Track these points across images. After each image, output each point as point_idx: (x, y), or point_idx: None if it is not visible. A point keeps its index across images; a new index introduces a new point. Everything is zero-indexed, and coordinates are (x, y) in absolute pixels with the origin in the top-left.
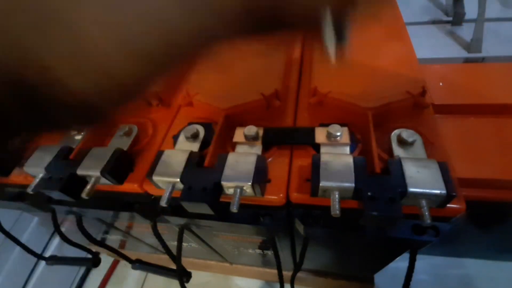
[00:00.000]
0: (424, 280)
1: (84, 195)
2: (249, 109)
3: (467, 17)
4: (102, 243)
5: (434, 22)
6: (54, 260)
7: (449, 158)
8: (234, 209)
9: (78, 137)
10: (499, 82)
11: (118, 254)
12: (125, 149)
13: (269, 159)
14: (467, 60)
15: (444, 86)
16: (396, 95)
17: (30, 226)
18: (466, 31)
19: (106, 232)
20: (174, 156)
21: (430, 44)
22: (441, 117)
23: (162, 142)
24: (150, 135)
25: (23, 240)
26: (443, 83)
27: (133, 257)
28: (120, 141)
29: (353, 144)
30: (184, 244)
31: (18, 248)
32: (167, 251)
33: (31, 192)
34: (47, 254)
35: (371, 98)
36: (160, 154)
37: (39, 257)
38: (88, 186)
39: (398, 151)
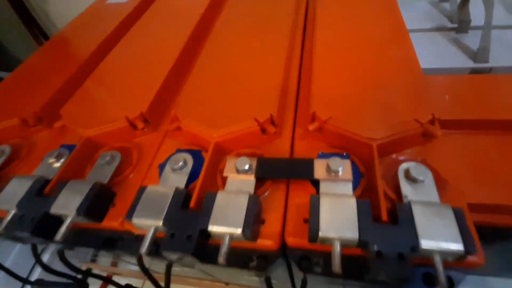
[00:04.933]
0: None
1: (58, 238)
2: (242, 136)
3: (473, 24)
4: (88, 273)
5: (438, 29)
6: (39, 284)
7: (463, 195)
8: (221, 260)
9: (57, 164)
10: (508, 95)
11: (108, 281)
12: (106, 180)
13: (263, 194)
14: (473, 71)
15: (450, 99)
16: (403, 124)
17: (15, 248)
18: (472, 39)
19: (96, 255)
20: (157, 194)
21: (434, 53)
22: (447, 134)
23: (147, 172)
24: (134, 164)
25: (8, 262)
26: (448, 96)
27: (126, 275)
28: (101, 171)
29: (356, 178)
30: (176, 269)
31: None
32: (156, 285)
33: (2, 232)
34: (34, 277)
35: (376, 127)
36: (141, 191)
37: (24, 281)
38: (63, 228)
39: (406, 188)
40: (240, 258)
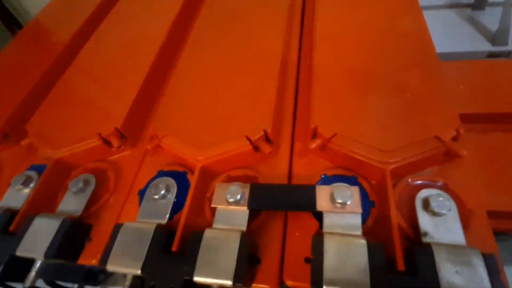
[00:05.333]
0: None
1: (27, 284)
2: (232, 157)
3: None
4: None
5: (451, 5)
6: None
7: (490, 232)
8: None
9: (26, 190)
10: None
11: None
12: (79, 211)
13: (258, 226)
14: (491, 55)
15: (465, 89)
16: (422, 144)
17: None
18: (489, 18)
19: None
20: (135, 234)
21: (447, 35)
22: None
23: (127, 199)
24: (111, 189)
25: None
26: (463, 86)
27: None
28: (74, 200)
29: (365, 207)
30: None
31: None
32: None
33: None
34: None
35: (389, 146)
36: (116, 230)
37: None
38: (31, 274)
39: (426, 223)
40: None
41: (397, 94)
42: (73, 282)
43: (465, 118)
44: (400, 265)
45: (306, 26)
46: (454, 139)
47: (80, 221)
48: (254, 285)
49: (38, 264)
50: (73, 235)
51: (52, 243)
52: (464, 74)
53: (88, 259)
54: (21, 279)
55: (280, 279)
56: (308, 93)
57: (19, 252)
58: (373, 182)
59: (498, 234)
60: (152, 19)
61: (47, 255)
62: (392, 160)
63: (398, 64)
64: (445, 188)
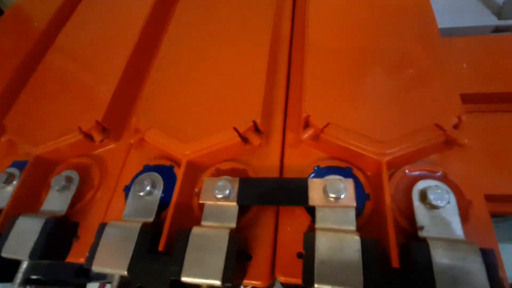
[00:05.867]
0: None
1: (15, 285)
2: (220, 150)
3: None
4: None
5: None
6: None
7: (489, 219)
8: None
9: (9, 188)
10: None
11: None
12: (64, 209)
13: (249, 221)
14: (497, 29)
15: (469, 67)
16: (421, 133)
17: None
18: None
19: None
20: (120, 234)
21: (449, 8)
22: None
23: (113, 194)
24: (96, 185)
25: None
26: (467, 64)
27: None
28: (58, 199)
29: (360, 199)
30: None
31: None
32: None
33: None
34: None
35: (385, 136)
36: (101, 229)
37: None
38: (19, 275)
39: (423, 216)
40: None
41: (395, 79)
42: (65, 279)
43: (467, 99)
44: (395, 262)
45: (298, 6)
46: (455, 126)
47: (66, 220)
48: (245, 281)
49: (24, 265)
50: (59, 234)
51: (36, 243)
52: (468, 51)
53: (76, 257)
54: (10, 279)
55: (272, 275)
56: (300, 79)
57: (4, 253)
58: (368, 173)
59: (496, 216)
60: (133, 1)
61: (32, 256)
62: (389, 151)
63: (397, 43)
64: (444, 178)
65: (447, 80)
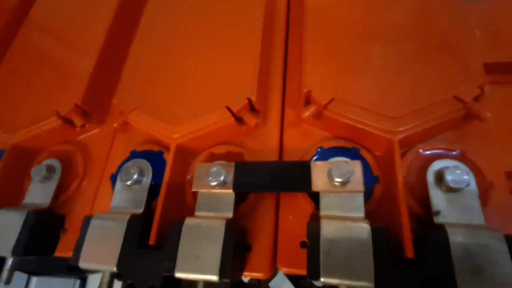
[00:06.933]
0: None
1: (1, 282)
2: (212, 132)
3: None
4: None
5: None
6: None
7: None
8: None
9: None
10: None
11: None
12: (47, 202)
13: (247, 209)
14: None
15: (491, 33)
16: (438, 107)
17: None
18: None
19: None
20: (107, 228)
21: None
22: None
23: (100, 183)
24: (80, 174)
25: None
26: (489, 30)
27: None
28: (40, 190)
29: (369, 183)
30: None
31: None
32: None
33: None
34: None
35: (397, 111)
36: (86, 223)
37: None
38: (4, 273)
39: (439, 200)
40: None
41: (407, 46)
42: (56, 273)
43: (488, 69)
44: (409, 252)
45: None
46: (476, 98)
47: (51, 212)
48: (246, 273)
49: (9, 263)
50: (43, 228)
51: (19, 239)
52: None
53: (65, 251)
54: None
55: (273, 266)
56: (300, 51)
57: None
58: (377, 153)
59: None
60: None
61: (15, 252)
62: (401, 129)
63: (408, 6)
64: (462, 157)
65: (466, 45)
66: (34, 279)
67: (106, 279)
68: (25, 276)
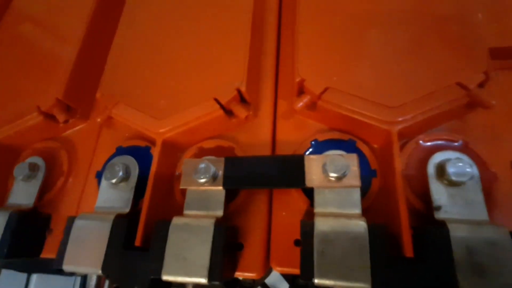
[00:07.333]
0: None
1: None
2: (200, 126)
3: None
4: None
5: None
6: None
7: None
8: None
9: None
10: None
11: None
12: (31, 202)
13: (238, 206)
14: None
15: (495, 17)
16: (440, 95)
17: None
18: None
19: None
20: (91, 228)
21: None
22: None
23: (86, 180)
24: (65, 172)
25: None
26: (493, 14)
27: None
28: (24, 189)
29: (365, 176)
30: None
31: None
32: None
33: None
34: None
35: (396, 99)
36: (70, 224)
37: None
38: None
39: (440, 195)
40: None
41: (405, 30)
42: (47, 273)
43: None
44: (408, 251)
45: None
46: (481, 85)
47: (35, 212)
48: (237, 273)
49: None
50: (27, 229)
51: (1, 242)
52: None
53: (52, 253)
54: None
55: (266, 265)
56: (292, 37)
57: None
58: (375, 146)
59: None
60: None
61: None
62: (400, 119)
63: None
64: (464, 148)
65: (471, 31)
66: (34, 279)
67: (93, 281)
68: (25, 275)
